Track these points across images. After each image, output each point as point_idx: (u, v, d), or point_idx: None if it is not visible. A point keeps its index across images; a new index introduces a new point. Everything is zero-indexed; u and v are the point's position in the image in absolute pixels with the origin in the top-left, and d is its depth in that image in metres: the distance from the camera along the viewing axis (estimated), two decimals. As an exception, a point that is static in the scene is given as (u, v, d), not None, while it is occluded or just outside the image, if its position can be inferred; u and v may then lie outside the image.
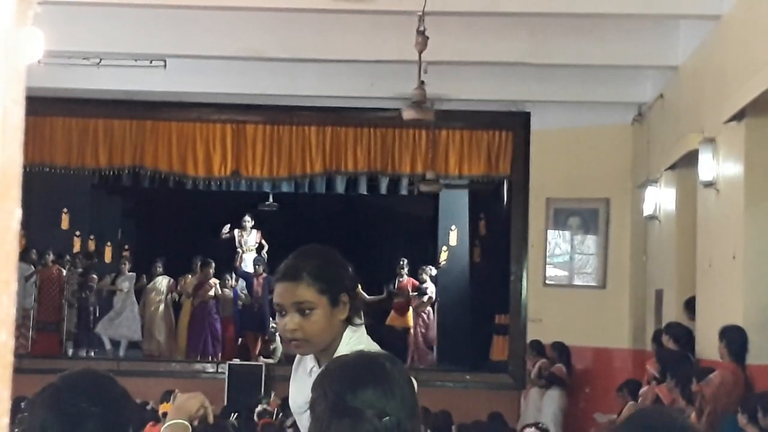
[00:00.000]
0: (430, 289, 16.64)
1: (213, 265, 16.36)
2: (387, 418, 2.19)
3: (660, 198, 11.74)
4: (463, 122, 14.64)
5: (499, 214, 15.95)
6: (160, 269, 16.58)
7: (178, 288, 16.57)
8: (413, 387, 2.33)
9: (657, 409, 2.71)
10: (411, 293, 16.68)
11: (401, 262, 16.87)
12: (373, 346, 3.21)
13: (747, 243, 8.42)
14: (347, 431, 2.18)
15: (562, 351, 13.25)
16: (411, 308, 16.70)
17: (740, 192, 8.52)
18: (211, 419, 3.18)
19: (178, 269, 16.76)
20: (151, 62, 12.22)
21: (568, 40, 10.98)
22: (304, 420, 2.67)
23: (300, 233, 19.17)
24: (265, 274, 16.57)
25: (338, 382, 2.25)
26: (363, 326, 3.30)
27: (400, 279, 16.69)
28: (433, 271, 16.77)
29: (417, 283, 16.82)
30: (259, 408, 11.04)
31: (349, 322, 3.25)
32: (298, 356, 3.44)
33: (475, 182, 15.89)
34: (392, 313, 16.58)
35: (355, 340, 3.21)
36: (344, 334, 3.22)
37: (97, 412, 2.57)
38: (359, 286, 3.36)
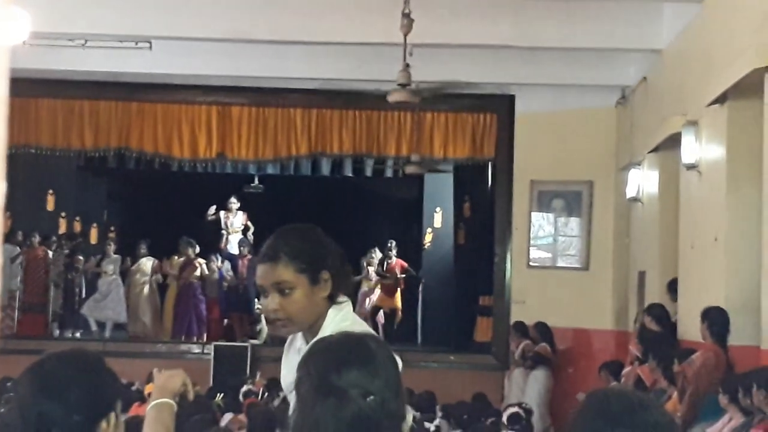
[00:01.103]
0: (372, 272, 16.69)
1: (196, 245, 16.35)
2: (371, 397, 2.21)
3: (643, 180, 11.80)
4: (448, 105, 14.64)
5: (484, 197, 16.00)
6: (144, 251, 16.58)
7: (163, 269, 16.57)
8: (398, 367, 2.34)
9: (613, 389, 2.65)
10: (399, 275, 16.73)
11: (389, 244, 16.91)
12: (359, 323, 3.26)
13: (729, 225, 8.49)
14: (332, 411, 2.19)
15: (544, 331, 13.32)
16: (399, 290, 16.76)
17: (722, 175, 8.58)
18: (191, 396, 3.20)
19: (164, 251, 16.77)
20: (136, 44, 12.19)
21: (552, 23, 11.01)
22: (293, 399, 2.70)
23: (285, 215, 19.11)
24: (250, 256, 16.59)
25: (322, 362, 2.26)
26: (348, 303, 3.30)
27: (389, 261, 16.73)
28: (377, 256, 16.81)
29: (405, 264, 16.86)
30: (245, 388, 11.08)
31: (331, 300, 3.24)
32: (290, 336, 3.41)
33: (460, 165, 15.92)
34: (380, 294, 16.62)
35: (340, 318, 3.21)
36: (329, 312, 3.22)
37: (80, 381, 2.60)
38: (345, 263, 3.33)
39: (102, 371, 2.71)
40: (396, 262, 16.78)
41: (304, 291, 3.21)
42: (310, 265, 3.23)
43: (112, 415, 2.67)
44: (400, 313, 16.72)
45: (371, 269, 16.65)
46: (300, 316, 3.22)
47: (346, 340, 2.36)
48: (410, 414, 2.87)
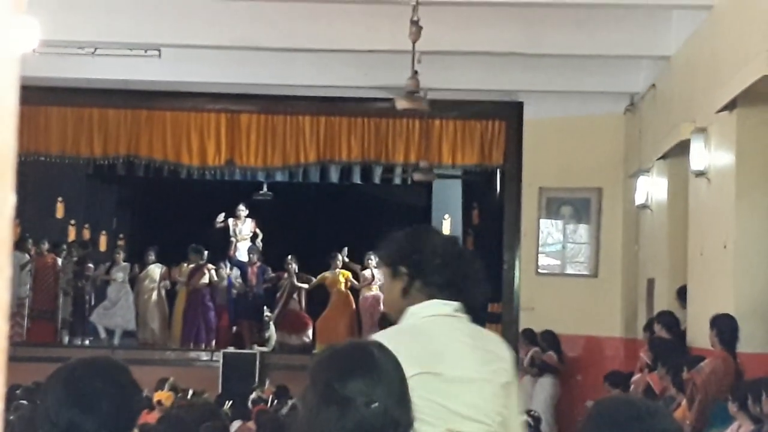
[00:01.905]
0: (378, 275, 16.64)
1: (204, 252, 16.36)
2: (374, 405, 2.23)
3: (652, 187, 11.77)
4: (457, 112, 14.67)
5: (492, 204, 15.99)
6: (153, 258, 16.59)
7: (171, 276, 16.57)
8: (403, 375, 2.36)
9: (621, 397, 2.66)
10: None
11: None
12: (409, 330, 3.33)
13: (738, 232, 8.46)
14: (335, 418, 2.22)
15: (551, 340, 13.30)
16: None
17: (731, 181, 8.56)
18: None
19: (173, 258, 16.77)
20: (146, 51, 12.22)
21: (561, 30, 11.01)
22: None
23: (294, 222, 19.28)
24: (259, 263, 16.60)
25: (326, 370, 2.30)
26: (428, 307, 3.37)
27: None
28: (375, 260, 16.75)
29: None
30: (254, 395, 11.07)
31: (406, 295, 3.40)
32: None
33: (468, 172, 15.92)
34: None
35: (406, 318, 3.35)
36: (408, 310, 3.36)
37: (110, 394, 2.61)
38: (439, 268, 3.43)
39: (129, 384, 2.72)
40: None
41: (386, 281, 3.51)
42: (390, 258, 3.50)
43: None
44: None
45: (366, 272, 16.59)
46: (385, 302, 3.70)
47: (350, 348, 2.40)
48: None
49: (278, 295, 16.53)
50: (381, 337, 3.12)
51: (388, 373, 2.30)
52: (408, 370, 2.95)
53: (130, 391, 2.72)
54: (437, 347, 3.33)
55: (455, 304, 3.45)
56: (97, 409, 2.59)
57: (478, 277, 3.54)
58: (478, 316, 3.73)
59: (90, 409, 2.59)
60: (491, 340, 3.63)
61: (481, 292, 3.57)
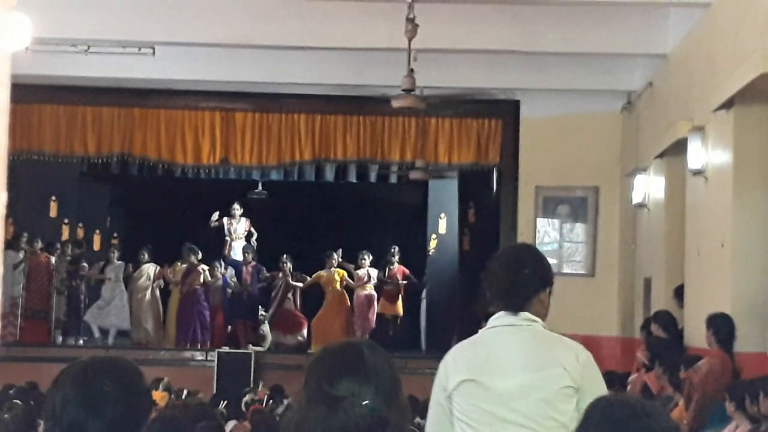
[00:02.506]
0: (373, 274, 16.63)
1: (198, 251, 16.32)
2: (362, 405, 2.25)
3: (649, 186, 11.76)
4: (453, 110, 14.65)
5: (489, 202, 15.96)
6: (147, 257, 16.53)
7: (165, 275, 16.51)
8: (394, 375, 2.37)
9: (617, 397, 2.65)
10: (401, 281, 16.68)
11: (392, 250, 16.85)
12: (479, 340, 3.82)
13: (735, 231, 8.44)
14: (323, 417, 2.25)
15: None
16: (401, 297, 16.70)
17: (729, 180, 8.54)
18: None
19: (167, 257, 16.73)
20: (139, 49, 12.18)
21: (557, 28, 10.99)
22: None
23: (289, 221, 19.25)
24: (254, 262, 16.56)
25: (317, 370, 2.33)
26: (498, 318, 3.78)
27: (391, 267, 16.67)
28: (368, 259, 16.73)
29: (407, 271, 16.81)
30: (247, 398, 11.03)
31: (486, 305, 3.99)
32: None
33: (465, 170, 15.88)
34: (382, 300, 16.57)
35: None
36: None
37: (119, 398, 2.57)
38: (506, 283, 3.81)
39: (140, 389, 2.68)
40: (398, 268, 16.72)
41: None
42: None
43: None
44: (401, 319, 16.65)
45: (361, 272, 16.57)
46: None
47: (341, 348, 2.41)
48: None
49: (273, 294, 16.49)
50: (455, 347, 3.83)
51: (378, 373, 2.32)
52: (456, 378, 3.67)
53: (140, 397, 2.67)
54: (487, 356, 3.69)
55: (522, 314, 3.76)
56: (103, 412, 2.55)
57: (521, 285, 3.78)
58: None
59: (95, 411, 2.55)
60: (553, 348, 3.81)
61: (524, 299, 3.79)
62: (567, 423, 3.52)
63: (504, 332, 3.74)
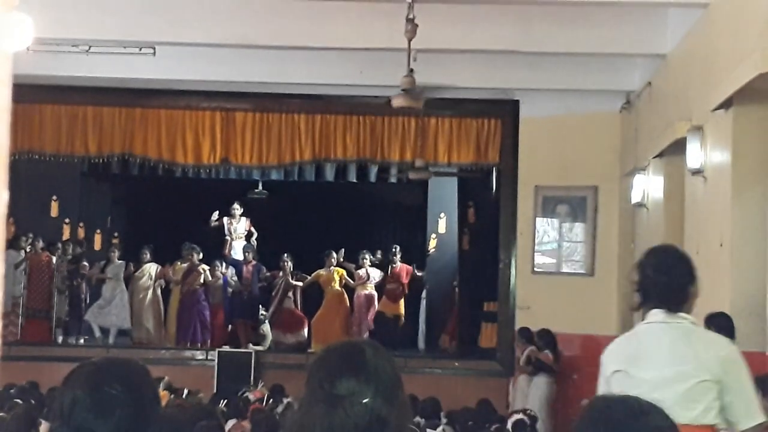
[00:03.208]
0: (373, 274, 16.64)
1: (199, 250, 16.33)
2: (361, 404, 2.29)
3: (648, 186, 11.77)
4: (452, 110, 14.66)
5: (488, 202, 15.97)
6: (148, 256, 16.55)
7: (165, 275, 16.52)
8: (395, 375, 2.39)
9: (615, 395, 2.67)
10: (405, 280, 16.69)
11: (394, 249, 16.87)
12: (631, 335, 4.43)
13: (734, 230, 8.45)
14: (323, 416, 2.29)
15: (547, 338, 13.29)
16: (403, 296, 16.71)
17: (728, 180, 8.55)
18: None
19: (167, 257, 16.75)
20: (140, 49, 12.19)
21: (557, 28, 11.00)
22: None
23: (289, 221, 19.27)
24: (254, 262, 16.58)
25: (318, 369, 2.37)
26: (651, 314, 4.29)
27: (393, 266, 16.68)
28: (368, 258, 16.74)
29: (411, 269, 16.82)
30: (244, 396, 11.05)
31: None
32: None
33: (464, 170, 15.90)
34: (384, 299, 16.58)
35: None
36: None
37: (128, 402, 2.58)
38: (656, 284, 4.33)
39: (149, 394, 2.70)
40: (401, 267, 16.74)
41: None
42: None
43: None
44: (403, 319, 16.67)
45: (361, 271, 16.59)
46: None
47: (342, 348, 2.45)
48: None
49: (273, 293, 16.51)
50: (616, 339, 4.46)
51: (377, 373, 2.34)
52: (611, 367, 4.27)
53: (148, 401, 2.68)
54: (637, 350, 4.26)
55: (676, 313, 4.26)
56: (111, 416, 2.57)
57: (676, 285, 4.30)
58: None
59: (104, 414, 2.56)
60: (697, 344, 4.28)
61: (676, 297, 4.30)
62: (703, 412, 4.11)
63: (656, 328, 4.27)
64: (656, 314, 4.28)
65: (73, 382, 2.62)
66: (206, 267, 16.33)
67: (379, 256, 16.97)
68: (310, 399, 2.33)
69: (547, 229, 14.31)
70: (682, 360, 4.18)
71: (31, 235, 15.91)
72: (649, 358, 4.21)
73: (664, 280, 4.27)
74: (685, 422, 3.91)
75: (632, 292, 4.35)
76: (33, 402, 8.94)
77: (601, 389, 4.29)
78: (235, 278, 16.61)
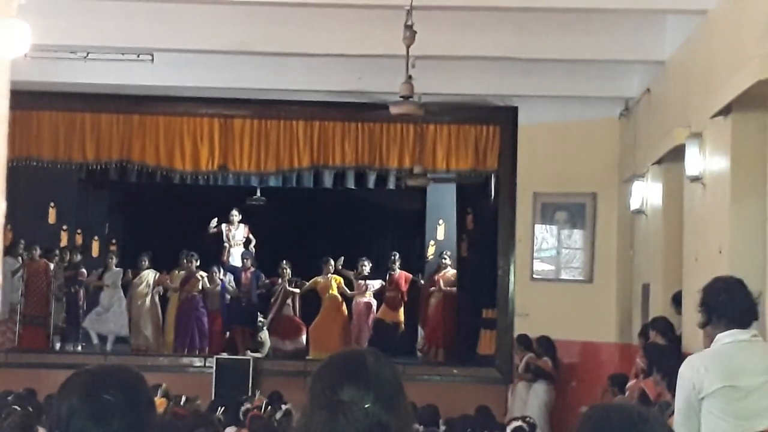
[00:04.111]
0: (374, 284, 16.61)
1: (197, 257, 16.32)
2: (362, 410, 2.33)
3: (647, 192, 11.76)
4: (451, 117, 14.66)
5: (487, 209, 15.96)
6: (146, 263, 16.54)
7: (163, 282, 16.51)
8: (396, 382, 2.43)
9: (614, 403, 2.70)
10: (404, 287, 16.66)
11: (393, 256, 16.85)
12: (702, 356, 5.10)
13: (733, 237, 8.44)
14: (324, 422, 2.33)
15: (547, 345, 13.27)
16: (403, 303, 16.68)
17: (726, 187, 8.54)
18: None
19: (166, 264, 16.73)
20: (138, 56, 12.18)
21: (555, 35, 10.99)
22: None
23: (287, 228, 19.25)
24: (252, 268, 16.57)
25: (321, 377, 2.41)
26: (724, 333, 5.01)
27: (392, 273, 16.66)
28: (368, 266, 16.70)
29: (410, 276, 16.80)
30: (244, 408, 11.01)
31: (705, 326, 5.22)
32: None
33: (463, 177, 15.90)
34: (383, 306, 16.56)
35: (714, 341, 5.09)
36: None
37: (125, 408, 2.58)
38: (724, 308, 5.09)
39: (145, 400, 2.69)
40: (400, 274, 16.72)
41: None
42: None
43: None
44: (402, 326, 16.64)
45: (360, 282, 16.57)
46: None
47: (344, 356, 2.50)
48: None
49: (272, 300, 16.49)
50: (693, 357, 5.12)
51: (380, 380, 2.38)
52: (714, 385, 4.89)
53: (145, 407, 2.68)
54: (737, 366, 4.92)
55: (750, 330, 4.99)
56: (109, 422, 2.57)
57: (750, 307, 5.07)
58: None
59: (102, 422, 2.56)
60: None
61: (752, 318, 5.08)
62: None
63: (743, 346, 4.97)
64: (736, 334, 4.98)
65: (70, 390, 2.61)
66: (204, 274, 16.32)
67: (368, 269, 16.80)
68: (312, 406, 2.37)
69: (545, 235, 14.30)
70: None
71: (23, 242, 15.87)
72: (749, 369, 4.93)
73: (744, 305, 5.07)
74: None
75: (698, 313, 5.19)
76: (30, 409, 8.91)
77: (687, 405, 5.01)
78: (234, 285, 16.60)
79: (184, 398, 10.94)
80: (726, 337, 4.98)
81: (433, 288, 16.43)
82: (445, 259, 16.54)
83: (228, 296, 16.54)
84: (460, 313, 16.60)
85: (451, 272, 16.42)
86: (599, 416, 2.48)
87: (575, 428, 2.50)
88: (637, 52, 11.26)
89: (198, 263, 16.33)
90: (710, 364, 4.97)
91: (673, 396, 8.41)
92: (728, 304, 5.05)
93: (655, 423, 2.44)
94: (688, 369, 5.04)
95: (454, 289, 16.40)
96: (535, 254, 14.29)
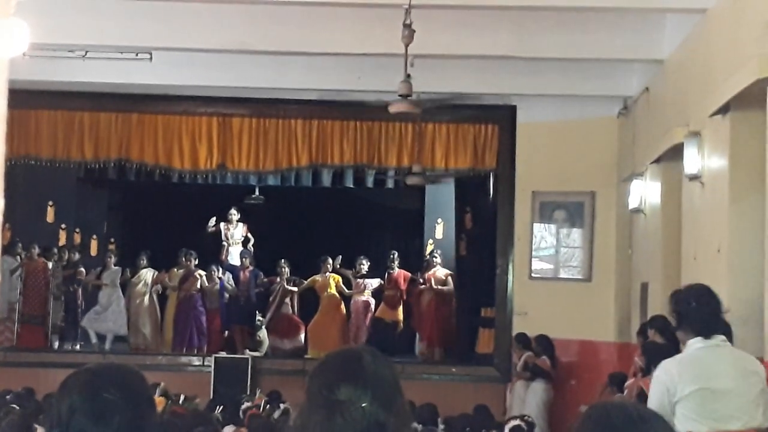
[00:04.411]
0: (370, 282, 16.59)
1: (196, 256, 16.31)
2: (359, 409, 2.32)
3: (645, 191, 11.76)
4: (450, 115, 14.65)
5: (485, 208, 15.96)
6: (144, 262, 16.53)
7: (162, 281, 16.49)
8: (394, 381, 2.43)
9: (614, 402, 2.69)
10: (403, 286, 16.64)
11: (392, 255, 16.83)
12: (678, 359, 5.45)
13: (731, 236, 8.45)
14: (321, 421, 2.32)
15: (545, 344, 13.27)
16: (402, 302, 16.65)
17: (725, 185, 8.55)
18: None
19: (164, 262, 16.73)
20: (137, 55, 12.18)
21: (554, 34, 10.99)
22: None
23: (286, 227, 19.25)
24: (251, 267, 16.56)
25: (318, 376, 2.41)
26: (695, 342, 5.37)
27: (391, 272, 16.65)
28: (366, 265, 16.67)
29: (409, 275, 16.78)
30: (244, 406, 11.01)
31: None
32: None
33: (461, 175, 15.90)
34: (382, 305, 16.55)
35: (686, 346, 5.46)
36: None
37: (126, 407, 2.58)
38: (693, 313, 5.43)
39: (145, 399, 2.69)
40: (398, 273, 16.71)
41: None
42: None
43: None
44: (401, 325, 16.63)
45: (358, 281, 16.55)
46: None
47: (341, 355, 2.49)
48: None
49: (271, 299, 16.48)
50: (667, 363, 5.36)
51: (377, 378, 2.38)
52: (687, 388, 5.14)
53: (145, 405, 2.68)
54: (709, 370, 5.18)
55: (718, 336, 5.27)
56: (110, 421, 2.56)
57: (717, 315, 5.38)
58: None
59: (103, 420, 2.56)
60: (747, 361, 5.44)
61: (719, 325, 5.38)
62: (763, 414, 5.19)
63: (715, 351, 5.27)
64: (703, 340, 5.30)
65: (70, 389, 2.61)
66: (203, 272, 16.31)
67: (366, 268, 16.77)
68: (310, 405, 2.37)
69: (544, 234, 14.29)
70: (744, 374, 5.26)
71: (18, 241, 15.86)
72: (720, 373, 5.22)
73: (711, 312, 5.36)
74: (756, 425, 5.17)
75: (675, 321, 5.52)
76: (29, 408, 8.91)
77: (660, 406, 5.14)
78: (232, 284, 16.59)
79: (182, 397, 10.93)
80: (697, 343, 5.31)
81: (423, 286, 16.38)
82: (436, 257, 16.49)
83: (226, 295, 16.53)
84: (458, 312, 16.59)
85: (441, 271, 16.35)
86: (599, 415, 2.47)
87: (576, 426, 2.49)
88: (636, 51, 11.26)
89: (197, 262, 16.33)
90: (684, 369, 5.27)
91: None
92: (698, 311, 5.34)
93: (655, 422, 2.44)
94: (663, 373, 5.32)
95: (445, 288, 16.33)
96: (533, 253, 14.29)
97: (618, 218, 13.41)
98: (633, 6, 10.02)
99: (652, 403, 5.26)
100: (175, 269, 16.47)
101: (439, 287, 16.19)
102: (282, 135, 15.01)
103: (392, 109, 10.17)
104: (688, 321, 5.37)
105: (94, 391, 2.59)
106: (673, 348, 9.47)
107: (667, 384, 5.24)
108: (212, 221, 17.23)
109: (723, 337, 5.33)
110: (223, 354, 15.13)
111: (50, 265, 16.27)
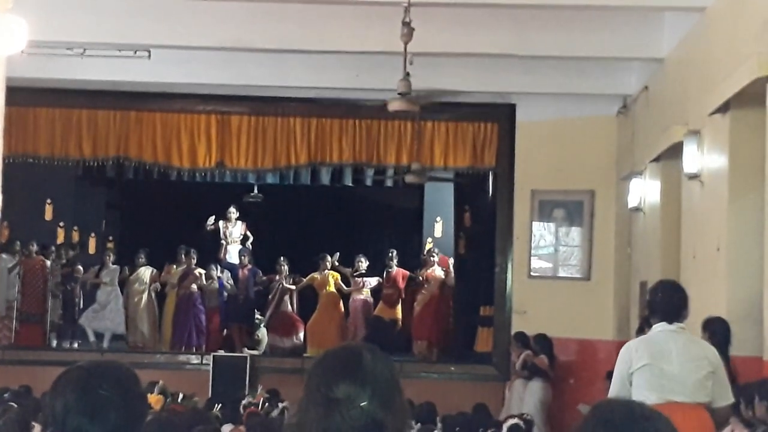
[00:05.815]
0: (369, 281, 16.58)
1: (194, 254, 16.29)
2: (357, 407, 2.31)
3: (645, 190, 11.75)
4: (449, 114, 14.63)
5: (484, 206, 15.94)
6: (143, 260, 16.51)
7: (161, 279, 16.49)
8: (393, 379, 2.41)
9: (617, 400, 2.69)
10: (401, 284, 16.63)
11: (390, 254, 16.81)
12: (642, 341, 6.24)
13: (730, 235, 8.45)
14: (319, 419, 2.31)
15: (544, 343, 13.26)
16: (401, 300, 16.65)
17: (724, 184, 8.55)
18: None
19: (163, 260, 16.71)
20: (135, 52, 12.16)
21: (553, 32, 10.99)
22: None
23: (285, 225, 19.23)
24: (250, 266, 16.54)
25: (317, 373, 2.40)
26: (657, 326, 6.11)
27: (390, 270, 16.63)
28: (365, 263, 16.66)
29: (407, 273, 16.76)
30: (245, 401, 11.01)
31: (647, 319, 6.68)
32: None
33: (461, 174, 15.89)
34: (381, 304, 16.54)
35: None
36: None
37: (119, 404, 2.58)
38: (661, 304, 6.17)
39: (138, 395, 2.70)
40: (397, 271, 16.69)
41: None
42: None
43: None
44: (400, 323, 16.62)
45: (357, 279, 16.55)
46: None
47: (340, 352, 2.48)
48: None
49: (270, 297, 16.47)
50: (631, 341, 6.33)
51: (375, 377, 2.36)
52: (640, 362, 5.93)
53: (139, 402, 2.70)
54: (660, 349, 5.95)
55: (677, 324, 6.01)
56: (105, 419, 2.57)
57: (680, 304, 6.09)
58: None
59: (98, 417, 2.57)
60: (699, 345, 6.20)
61: (680, 313, 6.08)
62: (708, 394, 5.92)
63: (669, 335, 6.01)
64: (665, 325, 6.04)
65: (63, 387, 2.61)
66: (202, 271, 16.30)
67: (365, 266, 16.75)
68: (308, 402, 2.35)
69: (543, 233, 14.29)
70: (692, 357, 5.96)
71: (16, 239, 15.84)
72: (669, 355, 5.94)
73: (673, 302, 6.09)
74: (700, 401, 5.88)
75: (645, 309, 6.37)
76: (27, 406, 8.89)
77: (620, 376, 6.01)
78: (231, 282, 16.58)
79: (181, 395, 10.92)
80: (657, 327, 6.09)
81: (426, 284, 16.36)
82: (433, 256, 16.48)
83: (225, 293, 16.52)
84: (457, 311, 16.58)
85: (438, 270, 16.35)
86: (603, 412, 2.48)
87: (579, 424, 2.49)
88: (635, 49, 11.26)
89: (196, 259, 16.32)
90: (641, 346, 6.09)
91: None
92: (662, 301, 6.13)
93: (658, 420, 2.44)
94: (625, 350, 6.12)
95: (446, 278, 16.30)
96: (532, 251, 14.28)
97: (617, 217, 13.41)
98: (632, 4, 10.02)
99: (615, 374, 6.11)
100: (174, 267, 16.45)
101: (442, 277, 16.19)
102: (281, 133, 14.99)
103: (391, 107, 10.16)
104: (655, 309, 6.15)
105: (88, 388, 2.59)
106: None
107: (627, 357, 6.06)
108: (211, 219, 17.21)
109: (682, 325, 6.06)
110: (221, 352, 15.12)
111: (48, 263, 16.24)
